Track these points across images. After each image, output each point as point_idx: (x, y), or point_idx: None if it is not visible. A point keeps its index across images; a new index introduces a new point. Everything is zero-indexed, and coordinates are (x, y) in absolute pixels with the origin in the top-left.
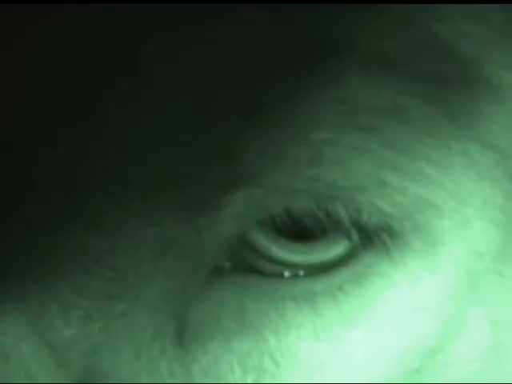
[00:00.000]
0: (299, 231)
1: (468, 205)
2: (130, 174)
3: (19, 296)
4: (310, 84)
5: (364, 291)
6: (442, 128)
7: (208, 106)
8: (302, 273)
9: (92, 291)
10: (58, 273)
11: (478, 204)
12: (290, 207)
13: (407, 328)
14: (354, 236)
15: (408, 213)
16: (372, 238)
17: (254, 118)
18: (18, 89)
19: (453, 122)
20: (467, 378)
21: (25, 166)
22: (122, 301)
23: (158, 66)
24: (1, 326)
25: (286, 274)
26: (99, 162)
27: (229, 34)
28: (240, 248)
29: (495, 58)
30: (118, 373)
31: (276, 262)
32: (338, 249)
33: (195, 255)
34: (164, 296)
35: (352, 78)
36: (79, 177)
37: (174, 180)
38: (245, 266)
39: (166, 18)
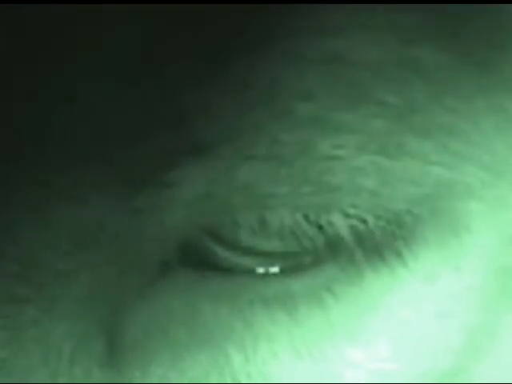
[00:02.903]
0: None
1: (504, 178)
2: (40, 131)
3: None
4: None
5: (360, 293)
6: (465, 79)
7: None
8: (276, 268)
9: None
10: None
11: None
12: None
13: (420, 343)
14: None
15: (424, 201)
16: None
17: (213, 68)
18: None
19: (478, 69)
20: None
21: None
22: (32, 305)
23: None
24: None
25: (255, 269)
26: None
27: None
28: (192, 234)
29: None
30: None
31: (241, 251)
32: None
33: (131, 248)
34: (90, 299)
35: (344, 23)
36: None
37: (104, 146)
38: (199, 257)
39: None
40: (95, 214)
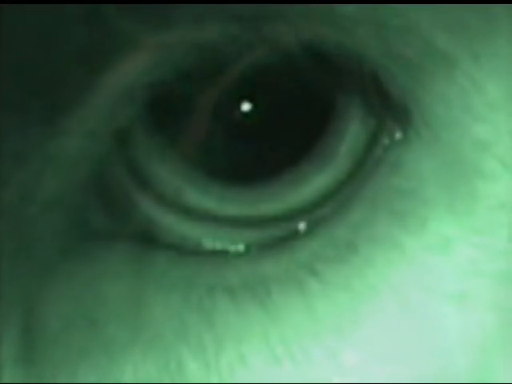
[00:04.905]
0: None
1: None
2: None
3: None
4: None
5: (352, 274)
6: None
7: None
8: (241, 245)
9: None
10: None
11: None
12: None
13: (432, 337)
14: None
15: (408, 66)
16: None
17: None
18: None
19: None
20: None
21: None
22: None
23: None
24: None
25: (215, 245)
26: None
27: None
28: (129, 195)
29: None
30: None
31: (195, 218)
32: (300, 194)
33: (50, 186)
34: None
35: None
36: None
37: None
38: (140, 227)
39: None
40: (11, 144)
